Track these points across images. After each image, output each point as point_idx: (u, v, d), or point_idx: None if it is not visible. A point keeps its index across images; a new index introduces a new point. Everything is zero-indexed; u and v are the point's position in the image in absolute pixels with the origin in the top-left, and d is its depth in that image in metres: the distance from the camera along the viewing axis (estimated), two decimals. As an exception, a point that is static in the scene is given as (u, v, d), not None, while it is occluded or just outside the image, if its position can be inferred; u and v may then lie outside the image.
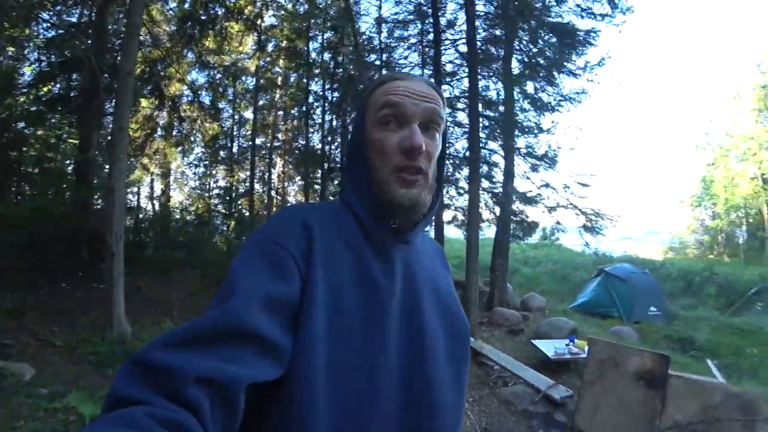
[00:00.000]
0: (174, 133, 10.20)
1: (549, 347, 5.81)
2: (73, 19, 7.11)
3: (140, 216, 11.06)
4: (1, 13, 5.52)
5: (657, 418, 3.78)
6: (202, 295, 7.67)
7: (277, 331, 0.55)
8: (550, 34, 8.12)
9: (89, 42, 6.47)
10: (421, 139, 0.66)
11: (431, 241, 0.85)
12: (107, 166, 6.97)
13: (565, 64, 8.26)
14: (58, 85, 7.53)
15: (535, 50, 8.48)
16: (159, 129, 9.81)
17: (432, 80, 0.78)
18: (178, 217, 11.62)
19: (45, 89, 7.31)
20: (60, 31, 6.63)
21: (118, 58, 5.81)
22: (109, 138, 5.72)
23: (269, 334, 0.54)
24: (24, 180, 7.36)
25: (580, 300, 9.27)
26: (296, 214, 0.67)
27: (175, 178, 12.12)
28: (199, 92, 9.55)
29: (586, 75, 8.41)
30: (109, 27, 6.78)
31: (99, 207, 7.70)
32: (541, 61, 8.38)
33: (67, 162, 8.32)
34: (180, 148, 10.72)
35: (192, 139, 10.44)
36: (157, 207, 11.81)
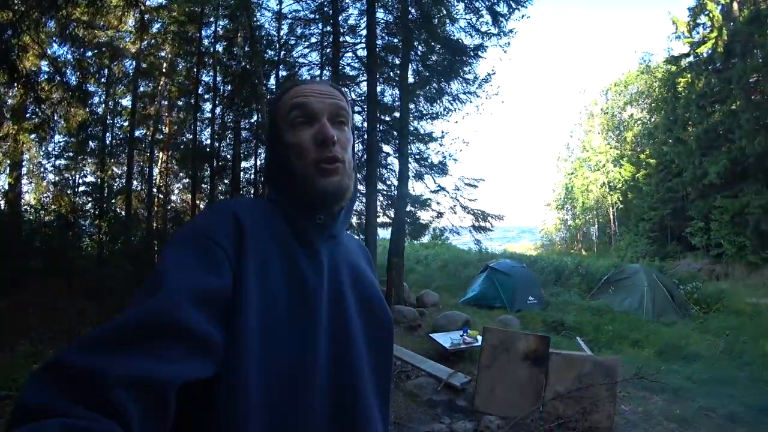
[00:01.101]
0: (28, 116, 8.52)
1: (446, 339, 6.17)
2: None
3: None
4: None
5: (542, 390, 4.28)
6: (69, 309, 6.55)
7: (208, 327, 0.53)
8: (442, 49, 8.70)
9: None
10: (332, 130, 0.71)
11: (356, 240, 0.88)
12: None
13: (455, 75, 8.91)
14: None
15: (429, 62, 9.00)
16: (7, 110, 8.09)
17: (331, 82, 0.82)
18: (32, 217, 9.74)
19: None
20: None
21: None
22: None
23: (201, 330, 0.51)
24: None
25: (469, 294, 10.06)
26: (227, 208, 0.66)
27: (28, 170, 10.19)
28: (64, 70, 8.10)
29: (475, 88, 9.26)
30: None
31: None
32: (433, 72, 8.93)
33: None
34: (35, 135, 8.99)
35: (52, 125, 8.83)
36: (2, 205, 9.72)
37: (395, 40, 9.35)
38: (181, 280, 0.53)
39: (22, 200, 10.05)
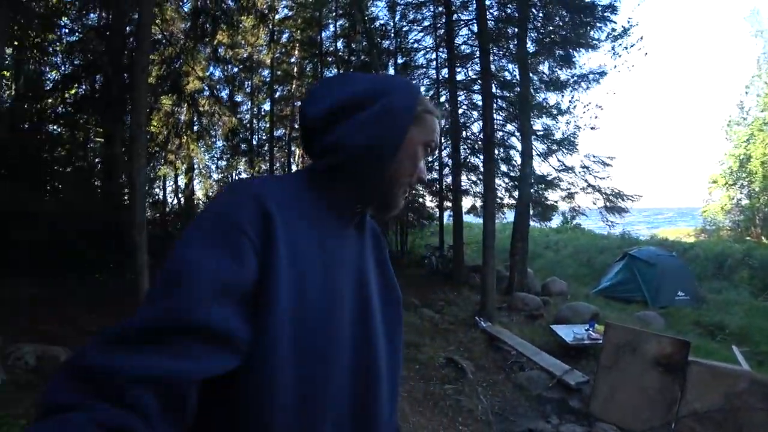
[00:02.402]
0: (195, 128, 10.49)
1: (568, 332, 5.75)
2: (93, 22, 7.39)
3: (167, 209, 11.48)
4: (26, 19, 5.75)
5: (675, 405, 3.70)
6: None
7: (230, 321, 0.52)
8: (564, 12, 7.80)
9: (105, 44, 6.71)
10: None
11: (370, 221, 0.88)
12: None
13: (582, 41, 7.90)
14: (83, 87, 7.85)
15: (550, 28, 8.16)
16: (180, 125, 10.10)
17: None
18: (201, 209, 11.97)
19: (71, 91, 7.63)
20: (80, 35, 6.88)
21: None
22: (128, 135, 5.93)
23: (222, 325, 0.50)
24: (56, 179, 7.75)
25: (603, 284, 9.07)
26: (249, 189, 0.62)
27: (199, 171, 12.51)
28: (218, 87, 9.75)
29: (607, 46, 8.05)
30: (126, 28, 7.00)
31: (127, 202, 8.02)
32: (556, 38, 8.04)
33: (96, 160, 8.71)
34: (201, 143, 11.00)
35: (212, 133, 10.70)
36: (181, 200, 12.25)
37: (509, 10, 8.73)
38: (203, 273, 0.51)
39: (194, 196, 12.43)
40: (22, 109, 7.39)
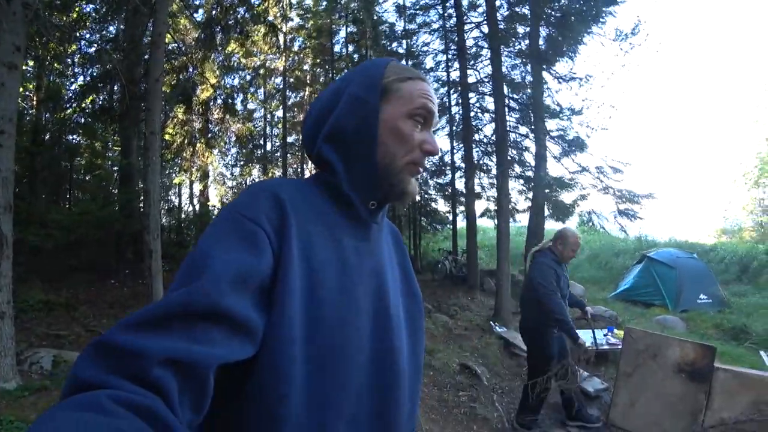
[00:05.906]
0: (209, 136, 10.63)
1: (586, 338, 5.59)
2: (111, 33, 7.60)
3: (182, 216, 11.64)
4: (46, 32, 5.91)
5: (701, 414, 3.55)
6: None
7: (248, 310, 0.54)
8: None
9: (122, 54, 6.87)
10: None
11: (388, 222, 0.86)
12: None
13: (589, 21, 7.70)
14: (101, 97, 8.04)
15: (561, 15, 8.00)
16: (195, 133, 10.24)
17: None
18: (214, 215, 12.12)
19: (89, 101, 7.82)
20: (98, 46, 7.06)
21: (151, 67, 6.14)
22: (143, 144, 6.04)
23: (240, 313, 0.52)
24: (75, 187, 7.92)
25: (621, 288, 8.86)
26: (267, 189, 0.65)
27: (214, 178, 12.67)
28: (233, 95, 9.86)
29: (619, 44, 7.90)
30: (142, 38, 7.15)
31: (142, 209, 8.17)
32: (562, 27, 7.88)
33: (114, 168, 8.90)
34: (216, 150, 11.15)
35: (225, 140, 10.84)
36: (196, 205, 12.41)
37: (519, 10, 8.63)
38: (223, 263, 0.53)
39: (209, 202, 12.61)
40: (43, 119, 7.60)
